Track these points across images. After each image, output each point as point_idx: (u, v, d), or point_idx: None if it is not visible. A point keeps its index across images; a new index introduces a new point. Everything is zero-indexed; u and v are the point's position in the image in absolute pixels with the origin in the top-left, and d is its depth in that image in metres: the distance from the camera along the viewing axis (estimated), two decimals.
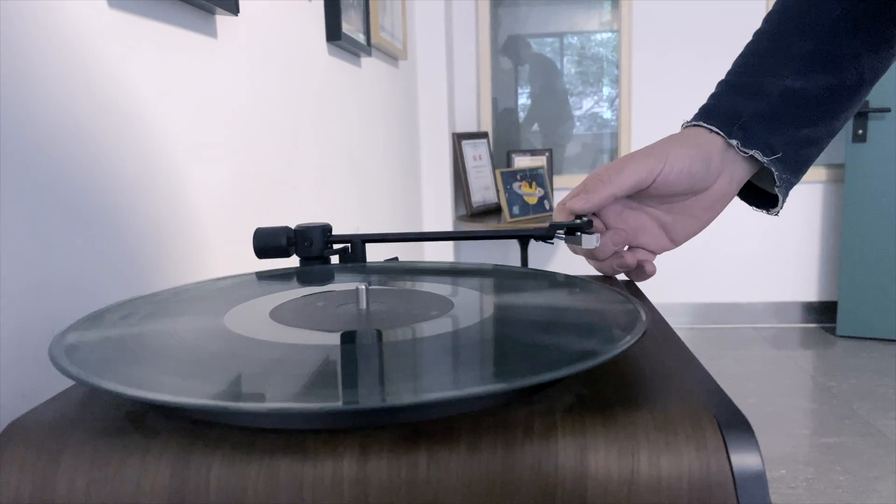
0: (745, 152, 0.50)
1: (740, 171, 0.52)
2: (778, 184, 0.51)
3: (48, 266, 0.55)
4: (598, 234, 0.51)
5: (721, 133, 0.50)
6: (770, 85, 0.50)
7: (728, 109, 0.51)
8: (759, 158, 0.50)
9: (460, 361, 0.32)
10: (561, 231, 0.52)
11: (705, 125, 0.51)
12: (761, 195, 0.57)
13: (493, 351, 0.34)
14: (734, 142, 0.50)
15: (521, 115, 2.98)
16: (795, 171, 0.52)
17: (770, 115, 0.50)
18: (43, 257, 0.54)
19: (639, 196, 0.52)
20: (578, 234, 0.52)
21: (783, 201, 0.53)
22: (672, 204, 0.53)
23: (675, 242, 0.55)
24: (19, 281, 0.51)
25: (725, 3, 2.76)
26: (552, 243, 0.56)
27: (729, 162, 0.51)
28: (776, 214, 0.55)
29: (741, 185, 0.53)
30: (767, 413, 2.03)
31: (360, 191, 1.61)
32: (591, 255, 0.54)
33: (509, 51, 2.94)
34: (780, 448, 1.81)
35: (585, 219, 0.51)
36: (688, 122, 0.53)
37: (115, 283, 0.64)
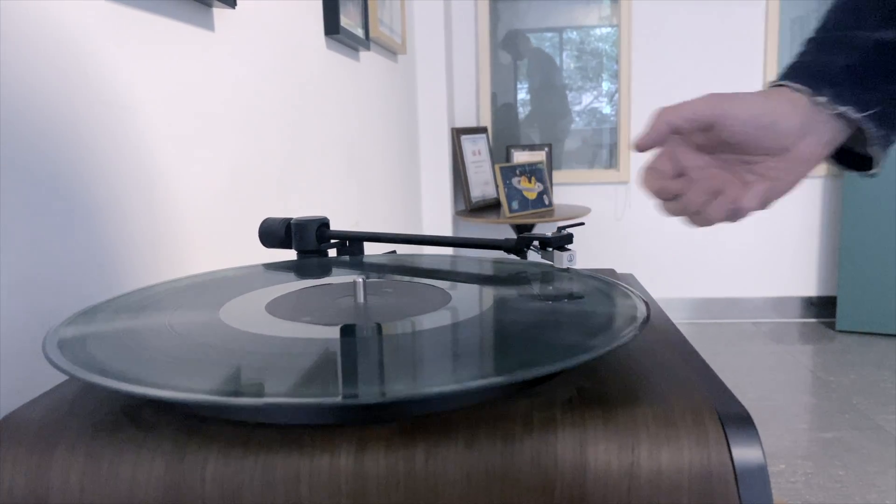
0: (835, 108, 0.46)
1: (830, 132, 0.48)
2: (872, 142, 0.47)
3: (44, 261, 0.54)
4: (573, 253, 0.48)
5: (807, 90, 0.47)
6: (862, 38, 0.47)
7: (815, 66, 0.48)
8: (851, 115, 0.46)
9: (458, 355, 0.32)
10: (536, 243, 0.49)
11: (790, 84, 0.47)
12: (855, 158, 0.53)
13: (491, 344, 0.34)
14: (822, 98, 0.46)
15: (521, 110, 2.97)
16: (894, 126, 0.47)
17: (862, 70, 0.46)
18: (38, 252, 0.54)
19: (714, 146, 0.49)
20: (551, 249, 0.48)
21: (882, 159, 0.49)
22: (752, 164, 0.50)
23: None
24: (15, 276, 0.51)
25: None
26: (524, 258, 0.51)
27: (817, 122, 0.47)
28: (874, 175, 0.51)
29: (833, 148, 0.49)
30: (767, 408, 2.03)
31: (358, 186, 1.60)
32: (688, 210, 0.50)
33: (508, 45, 2.94)
34: (779, 443, 1.81)
35: (564, 232, 0.48)
36: (772, 81, 0.49)
37: (111, 278, 0.63)
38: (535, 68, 2.96)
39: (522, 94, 2.98)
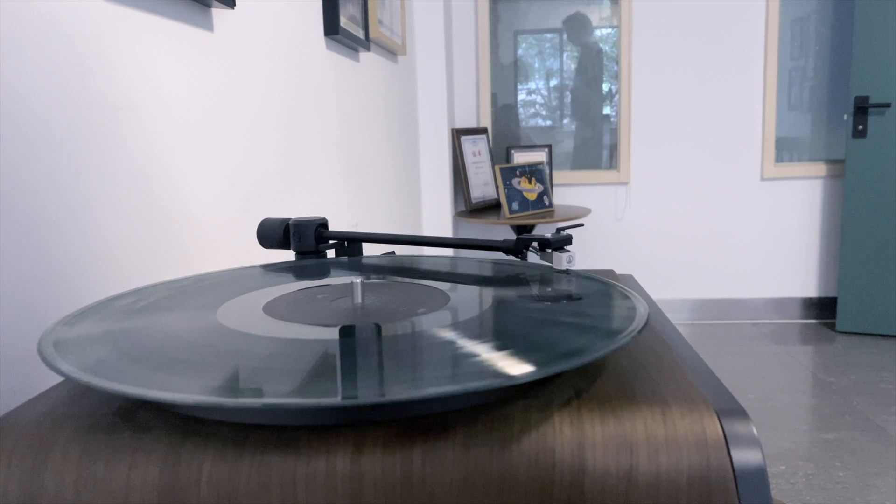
0: None
1: None
2: None
3: (41, 260, 0.54)
4: (572, 254, 0.47)
5: None
6: None
7: None
8: None
9: (455, 356, 0.32)
10: (534, 245, 0.48)
11: None
12: None
13: (488, 345, 0.33)
14: None
15: (524, 110, 2.97)
16: None
17: None
18: (36, 252, 0.53)
19: None
20: (549, 250, 0.48)
21: None
22: None
23: None
24: (12, 276, 0.51)
25: (724, 0, 2.75)
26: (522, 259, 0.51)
27: None
28: None
29: None
30: (767, 409, 2.03)
31: (358, 187, 1.60)
32: None
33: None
34: (779, 444, 1.81)
35: (563, 233, 0.47)
36: None
37: (108, 279, 0.63)
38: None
39: (522, 95, 2.97)
